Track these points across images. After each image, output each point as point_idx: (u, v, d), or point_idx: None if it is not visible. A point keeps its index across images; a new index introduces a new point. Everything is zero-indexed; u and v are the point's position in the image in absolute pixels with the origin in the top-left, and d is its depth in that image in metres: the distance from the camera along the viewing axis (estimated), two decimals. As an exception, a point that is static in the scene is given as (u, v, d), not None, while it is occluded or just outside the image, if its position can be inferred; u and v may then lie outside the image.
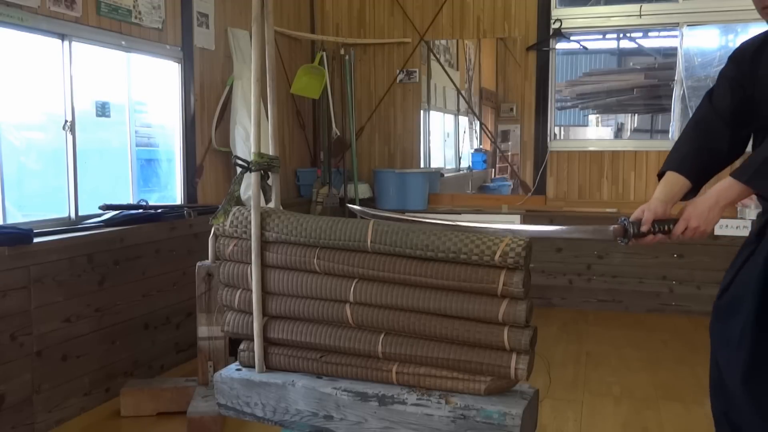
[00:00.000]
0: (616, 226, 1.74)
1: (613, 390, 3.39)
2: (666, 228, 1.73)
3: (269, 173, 1.86)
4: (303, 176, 5.36)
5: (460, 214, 5.18)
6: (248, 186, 2.45)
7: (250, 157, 1.84)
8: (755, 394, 1.71)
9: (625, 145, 5.57)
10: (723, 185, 1.71)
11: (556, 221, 5.00)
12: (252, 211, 1.80)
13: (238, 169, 1.86)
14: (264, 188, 1.86)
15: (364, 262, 1.72)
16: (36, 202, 3.24)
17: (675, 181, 1.82)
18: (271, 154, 1.89)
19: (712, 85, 1.90)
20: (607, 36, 6.49)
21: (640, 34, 6.23)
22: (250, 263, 1.82)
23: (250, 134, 4.13)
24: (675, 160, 1.86)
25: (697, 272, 4.76)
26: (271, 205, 1.93)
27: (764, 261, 1.72)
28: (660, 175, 1.88)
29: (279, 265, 1.82)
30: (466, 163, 6.02)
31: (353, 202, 5.31)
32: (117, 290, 3.23)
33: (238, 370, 1.90)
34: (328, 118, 5.26)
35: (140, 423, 2.97)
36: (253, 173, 1.82)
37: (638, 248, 4.85)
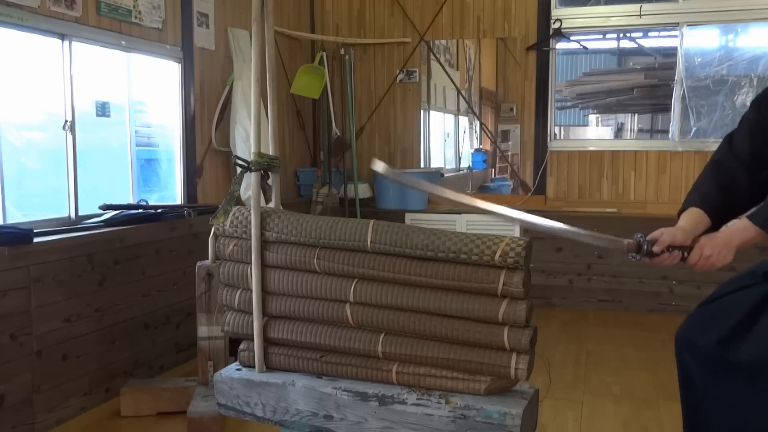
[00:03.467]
0: (630, 241, 1.75)
1: (613, 390, 3.40)
2: (679, 253, 1.73)
3: (269, 173, 1.86)
4: (303, 176, 5.36)
5: (460, 214, 5.18)
6: (248, 186, 2.46)
7: (250, 157, 1.84)
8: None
9: (625, 145, 5.57)
10: (739, 225, 1.72)
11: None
12: (252, 211, 1.80)
13: (238, 169, 1.86)
14: (264, 188, 1.86)
15: (364, 262, 1.71)
16: (36, 202, 3.24)
17: (697, 216, 1.82)
18: (271, 153, 1.89)
19: (733, 129, 1.90)
20: (607, 36, 6.49)
21: (640, 34, 6.23)
22: (250, 263, 1.82)
23: (250, 134, 4.15)
24: (696, 198, 1.86)
25: (697, 272, 4.74)
26: (271, 205, 1.92)
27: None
28: (680, 213, 1.88)
29: (279, 265, 1.81)
30: (466, 163, 6.02)
31: (353, 202, 5.32)
32: (117, 290, 3.23)
33: (238, 369, 1.90)
34: (328, 118, 5.26)
35: (140, 423, 2.97)
36: (253, 173, 1.82)
37: (638, 248, 4.85)
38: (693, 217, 1.82)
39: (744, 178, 1.82)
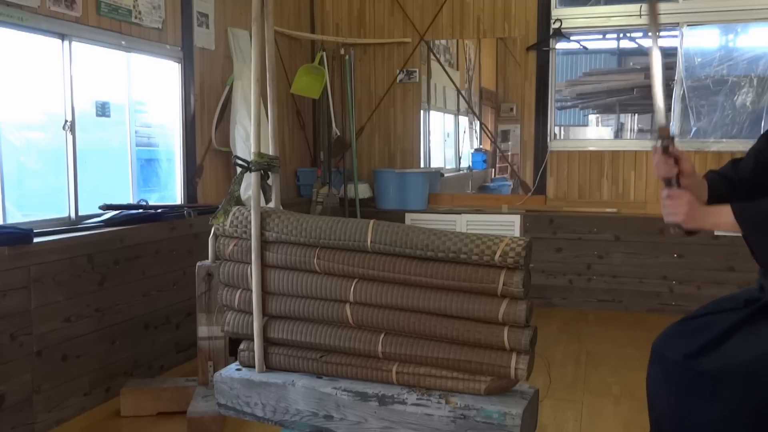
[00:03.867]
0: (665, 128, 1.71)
1: (613, 390, 3.40)
2: (672, 182, 1.71)
3: (269, 173, 1.86)
4: (303, 176, 5.36)
5: (460, 214, 5.18)
6: (248, 186, 2.45)
7: (251, 157, 1.84)
8: None
9: (625, 145, 5.57)
10: (723, 212, 1.68)
11: (556, 221, 5.00)
12: (252, 211, 1.80)
13: (238, 169, 1.86)
14: (264, 188, 1.86)
15: (364, 262, 1.71)
16: (36, 201, 3.24)
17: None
18: (271, 154, 1.89)
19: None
20: (607, 36, 6.49)
21: (640, 34, 6.23)
22: (250, 263, 1.82)
23: (250, 134, 4.15)
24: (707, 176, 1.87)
25: (697, 272, 4.75)
26: (271, 205, 1.92)
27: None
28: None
29: (279, 265, 1.82)
30: (466, 163, 6.02)
31: (353, 202, 5.32)
32: (117, 290, 3.23)
33: (238, 370, 1.90)
34: (328, 118, 5.25)
35: (140, 423, 2.97)
36: (253, 173, 1.82)
37: (638, 248, 4.85)
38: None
39: (742, 193, 1.81)
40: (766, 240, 1.66)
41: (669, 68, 5.29)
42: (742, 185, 1.83)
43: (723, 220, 1.69)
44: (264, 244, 1.81)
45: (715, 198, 1.80)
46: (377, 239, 1.69)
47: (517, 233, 5.05)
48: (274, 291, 1.83)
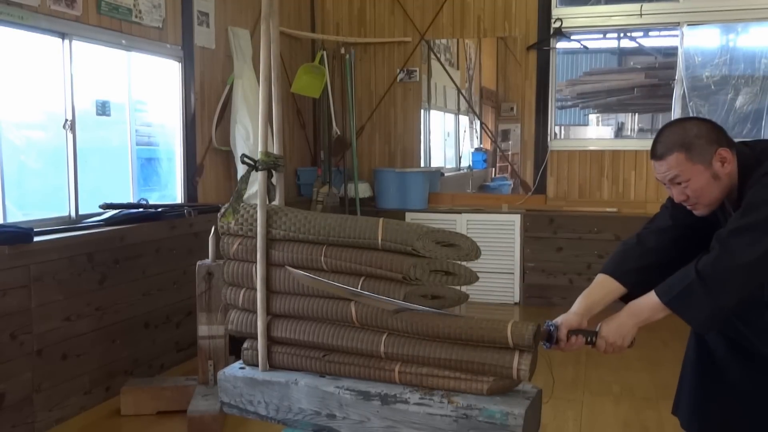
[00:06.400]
0: (543, 328, 1.75)
1: (613, 389, 3.40)
2: (583, 338, 1.75)
3: (274, 172, 1.86)
4: (303, 175, 5.36)
5: (460, 213, 5.18)
6: (251, 185, 2.45)
7: (251, 156, 1.83)
8: None
9: (626, 144, 5.56)
10: (645, 303, 1.71)
11: (556, 220, 5.00)
12: (258, 209, 1.80)
13: (243, 168, 1.85)
14: (268, 187, 1.86)
15: (372, 260, 1.70)
16: (36, 200, 3.24)
17: (605, 287, 1.89)
18: (276, 153, 1.89)
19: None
20: (608, 35, 6.48)
21: (641, 34, 6.22)
22: (255, 262, 1.81)
23: (250, 133, 4.16)
24: (609, 266, 1.92)
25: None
26: (275, 203, 1.92)
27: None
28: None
29: (285, 264, 1.81)
30: (466, 162, 6.01)
31: (353, 201, 5.31)
32: (117, 289, 3.22)
33: (241, 368, 1.90)
34: (329, 118, 5.25)
35: (140, 422, 2.97)
36: (260, 172, 1.82)
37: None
38: (593, 294, 1.86)
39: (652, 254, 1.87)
40: (695, 312, 1.66)
41: (669, 68, 5.30)
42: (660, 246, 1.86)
43: (653, 313, 1.71)
44: (270, 242, 1.80)
45: (628, 275, 1.85)
46: (388, 237, 1.68)
47: (517, 233, 5.05)
48: (278, 290, 1.83)
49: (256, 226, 1.80)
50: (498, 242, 5.05)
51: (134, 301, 3.35)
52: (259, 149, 1.82)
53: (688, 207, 1.78)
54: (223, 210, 1.84)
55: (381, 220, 1.71)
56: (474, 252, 1.69)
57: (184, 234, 3.66)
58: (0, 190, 2.88)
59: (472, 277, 1.73)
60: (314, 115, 5.55)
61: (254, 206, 1.82)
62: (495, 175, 5.79)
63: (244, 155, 1.82)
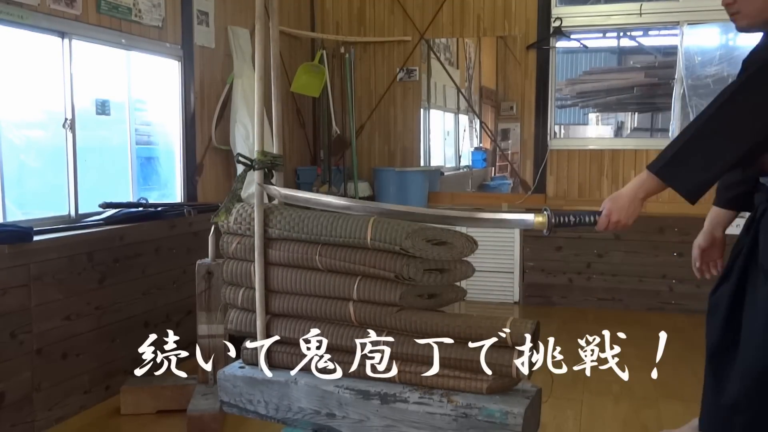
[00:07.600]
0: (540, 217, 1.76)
1: (613, 389, 3.39)
2: (589, 220, 1.77)
3: (272, 171, 1.86)
4: (303, 174, 5.35)
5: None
6: (249, 184, 2.44)
7: (252, 155, 1.83)
8: (716, 370, 1.81)
9: (626, 143, 5.56)
10: (640, 178, 1.77)
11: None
12: (255, 209, 1.80)
13: (240, 168, 1.85)
14: (266, 187, 1.86)
15: (366, 259, 1.70)
16: (36, 200, 3.23)
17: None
18: (274, 152, 1.88)
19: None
20: (608, 34, 6.48)
21: (641, 33, 6.22)
22: (254, 261, 1.81)
23: (250, 132, 4.15)
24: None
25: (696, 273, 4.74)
26: (275, 203, 1.92)
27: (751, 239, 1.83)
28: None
29: (282, 263, 1.81)
30: (466, 161, 6.01)
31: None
32: (117, 288, 3.22)
33: (241, 367, 1.90)
34: (328, 117, 5.25)
35: (140, 421, 2.97)
36: (256, 171, 1.82)
37: (638, 247, 4.85)
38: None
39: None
40: (690, 174, 1.70)
41: (669, 67, 5.30)
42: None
43: (648, 185, 1.77)
44: (267, 241, 1.81)
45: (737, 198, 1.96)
46: (377, 236, 1.67)
47: (516, 232, 5.04)
48: (277, 289, 1.83)
49: (254, 225, 1.80)
50: (497, 241, 5.05)
51: (134, 301, 3.35)
52: (255, 149, 1.82)
53: (730, 16, 1.78)
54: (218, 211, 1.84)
55: (372, 218, 1.70)
56: (468, 249, 1.69)
57: (183, 233, 3.66)
58: (0, 189, 2.88)
59: (468, 271, 1.72)
60: (314, 114, 5.54)
61: (253, 205, 1.82)
62: (495, 174, 5.79)
63: (239, 154, 1.82)
